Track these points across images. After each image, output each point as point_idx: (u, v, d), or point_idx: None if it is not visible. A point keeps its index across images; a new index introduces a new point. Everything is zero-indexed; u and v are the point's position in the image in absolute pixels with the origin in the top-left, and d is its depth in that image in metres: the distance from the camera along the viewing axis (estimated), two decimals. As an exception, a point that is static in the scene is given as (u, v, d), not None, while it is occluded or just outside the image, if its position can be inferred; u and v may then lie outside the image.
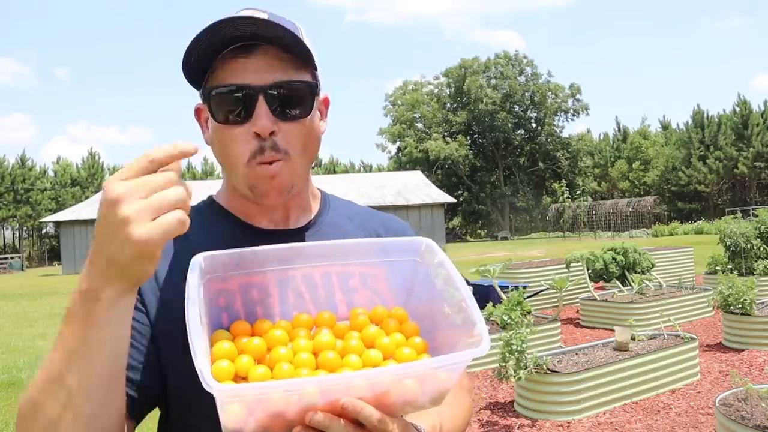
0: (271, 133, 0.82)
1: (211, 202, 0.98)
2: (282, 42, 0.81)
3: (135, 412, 0.81)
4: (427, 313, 0.86)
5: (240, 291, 0.82)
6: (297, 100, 0.84)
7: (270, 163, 0.83)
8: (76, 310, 0.66)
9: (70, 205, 38.89)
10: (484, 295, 7.10)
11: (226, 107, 0.82)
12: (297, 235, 0.94)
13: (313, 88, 0.86)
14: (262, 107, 0.81)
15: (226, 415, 0.65)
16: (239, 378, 0.73)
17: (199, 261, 0.76)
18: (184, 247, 0.85)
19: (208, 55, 0.82)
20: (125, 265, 0.63)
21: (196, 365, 0.62)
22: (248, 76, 0.81)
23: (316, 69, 0.87)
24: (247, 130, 0.82)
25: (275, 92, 0.81)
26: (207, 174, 53.39)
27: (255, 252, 0.81)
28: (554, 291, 7.60)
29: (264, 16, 0.81)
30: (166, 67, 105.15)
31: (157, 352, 0.83)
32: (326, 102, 0.96)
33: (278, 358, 0.74)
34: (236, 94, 0.81)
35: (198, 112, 0.92)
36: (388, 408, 0.70)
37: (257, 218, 0.94)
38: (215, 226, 0.93)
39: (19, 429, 0.71)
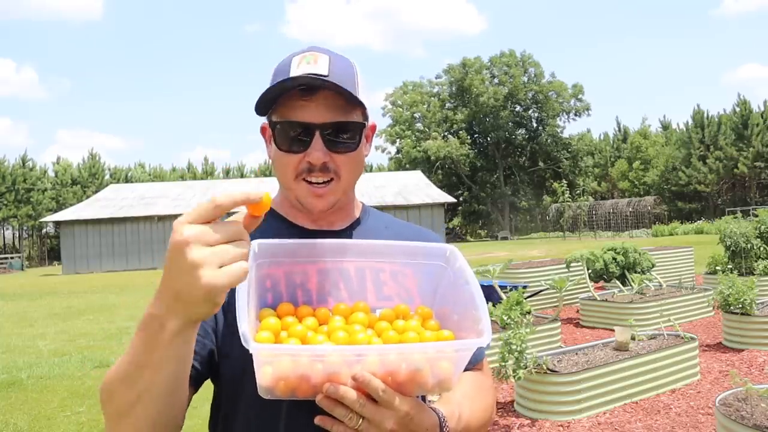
0: (324, 163, 0.98)
1: None
2: (338, 90, 0.96)
3: (197, 380, 0.94)
4: (447, 313, 0.98)
5: (284, 275, 0.96)
6: (346, 136, 1.00)
7: (321, 183, 0.99)
8: (144, 328, 0.74)
9: (71, 205, 38.90)
10: (484, 295, 7.10)
11: (287, 138, 0.99)
12: (338, 235, 1.09)
13: (360, 127, 1.02)
14: (318, 141, 0.97)
15: (261, 374, 0.78)
16: None
17: (253, 246, 0.88)
18: None
19: (278, 93, 0.98)
20: (190, 304, 0.69)
21: (239, 328, 0.74)
22: (308, 115, 0.97)
23: (365, 107, 1.03)
24: (302, 157, 0.98)
25: (329, 130, 0.98)
26: (207, 174, 53.41)
27: (301, 244, 0.96)
28: (554, 291, 7.60)
29: (326, 60, 0.98)
30: (163, 75, 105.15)
31: (216, 326, 0.97)
32: (372, 128, 1.10)
33: (313, 337, 0.86)
34: (297, 129, 0.98)
35: (263, 129, 1.08)
36: (398, 386, 0.80)
37: (304, 221, 1.09)
38: (267, 224, 1.02)
39: (102, 406, 0.83)
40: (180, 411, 0.85)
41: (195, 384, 0.94)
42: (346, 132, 0.99)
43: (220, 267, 0.67)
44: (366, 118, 1.04)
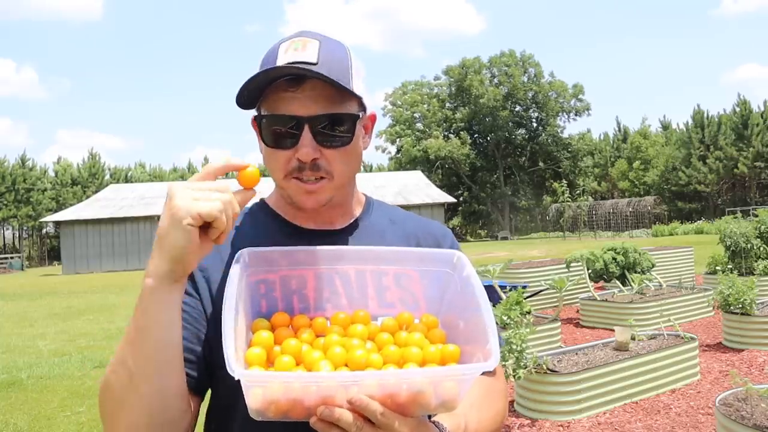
0: (314, 160, 0.91)
1: (262, 204, 1.08)
2: (328, 79, 0.88)
3: (197, 388, 0.91)
4: (452, 322, 0.91)
5: (280, 281, 0.90)
6: (339, 129, 0.91)
7: (313, 180, 0.92)
8: (135, 304, 0.78)
9: (71, 205, 38.88)
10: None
11: (274, 133, 0.91)
12: (337, 235, 1.02)
13: (354, 119, 0.93)
14: (306, 136, 0.89)
15: (250, 397, 0.73)
16: (270, 364, 0.81)
17: (243, 255, 0.84)
18: (235, 243, 0.96)
19: (262, 84, 0.90)
20: (163, 237, 0.74)
21: (224, 352, 0.71)
22: (296, 107, 0.89)
23: (360, 96, 0.94)
24: (291, 154, 0.91)
25: (319, 123, 0.90)
26: (207, 174, 53.39)
27: (296, 251, 0.90)
28: (554, 291, 7.60)
29: (315, 46, 0.90)
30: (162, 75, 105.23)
31: (209, 334, 0.93)
32: (372, 118, 1.02)
33: (308, 353, 0.81)
34: (284, 123, 0.90)
35: (254, 122, 0.99)
36: (399, 407, 0.75)
37: (302, 220, 1.03)
38: (264, 225, 1.03)
39: (99, 403, 0.83)
40: (180, 413, 0.82)
41: (196, 392, 0.91)
42: (339, 125, 0.91)
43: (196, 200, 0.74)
44: (363, 107, 0.96)
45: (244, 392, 0.73)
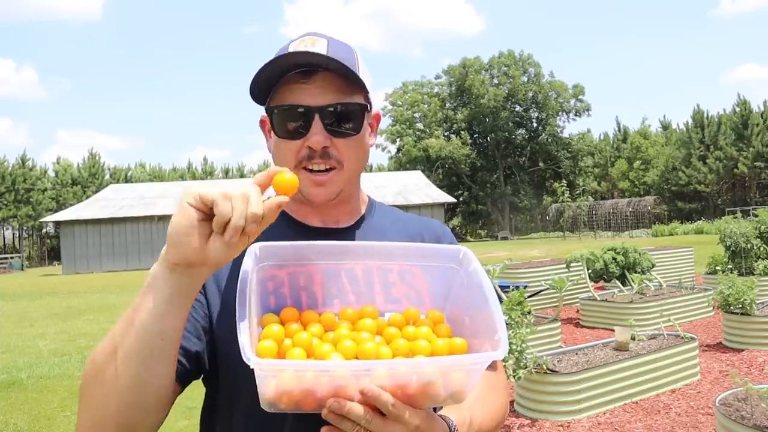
0: (324, 148, 0.94)
1: None
2: (337, 70, 0.92)
3: (183, 378, 0.90)
4: (459, 317, 0.92)
5: (288, 278, 0.91)
6: (348, 119, 0.95)
7: (322, 170, 0.95)
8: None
9: (71, 205, 38.88)
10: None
11: (286, 123, 0.95)
12: (343, 233, 1.05)
13: (363, 109, 0.97)
14: (317, 125, 0.93)
15: (264, 388, 0.74)
16: (281, 357, 0.81)
17: (254, 249, 0.85)
18: None
19: (274, 78, 0.94)
20: (168, 231, 0.73)
21: (239, 341, 0.71)
22: (307, 98, 0.93)
23: (367, 91, 0.98)
24: (302, 143, 0.94)
25: (329, 112, 0.93)
26: (207, 174, 53.40)
27: (306, 246, 0.90)
28: (554, 291, 7.60)
29: (324, 43, 0.94)
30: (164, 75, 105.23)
31: (211, 327, 0.94)
32: (377, 117, 1.07)
33: (319, 346, 0.82)
34: (295, 113, 0.94)
35: (263, 123, 1.04)
36: (408, 399, 0.76)
37: (310, 218, 1.05)
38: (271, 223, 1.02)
39: (83, 384, 0.81)
40: (155, 401, 0.80)
41: (181, 382, 0.89)
42: (348, 114, 0.95)
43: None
44: (369, 103, 0.99)
45: (257, 382, 0.73)
